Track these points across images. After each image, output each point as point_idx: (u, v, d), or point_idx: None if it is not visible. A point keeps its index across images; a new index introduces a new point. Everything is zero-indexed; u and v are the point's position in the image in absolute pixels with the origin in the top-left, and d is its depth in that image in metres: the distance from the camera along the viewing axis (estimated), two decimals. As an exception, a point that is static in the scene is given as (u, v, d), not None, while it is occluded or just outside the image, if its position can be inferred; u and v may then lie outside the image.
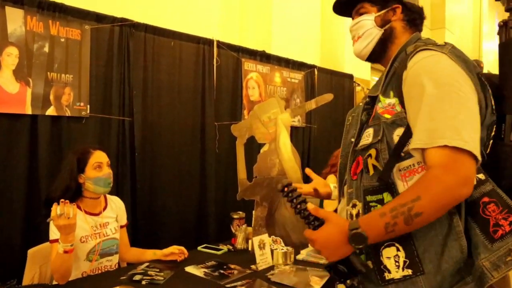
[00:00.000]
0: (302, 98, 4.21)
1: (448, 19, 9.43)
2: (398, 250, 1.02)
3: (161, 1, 3.51)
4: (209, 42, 3.38)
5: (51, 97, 2.52)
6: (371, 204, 1.08)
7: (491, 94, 1.06)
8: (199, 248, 2.39)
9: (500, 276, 0.96)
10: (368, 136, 1.11)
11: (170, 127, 3.14)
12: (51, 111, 2.51)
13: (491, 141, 1.07)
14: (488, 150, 1.06)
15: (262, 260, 2.06)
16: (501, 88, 1.08)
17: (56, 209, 1.66)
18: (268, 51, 3.92)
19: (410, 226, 0.95)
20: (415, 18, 1.24)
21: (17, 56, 2.39)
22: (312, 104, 2.56)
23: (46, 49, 2.51)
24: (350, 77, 5.02)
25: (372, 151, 1.08)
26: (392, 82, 1.12)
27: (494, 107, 1.06)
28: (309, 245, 2.29)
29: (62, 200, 1.68)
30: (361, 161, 1.12)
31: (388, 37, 1.22)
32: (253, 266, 2.04)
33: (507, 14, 1.17)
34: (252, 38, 4.13)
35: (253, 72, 3.75)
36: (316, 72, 4.46)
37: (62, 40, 2.58)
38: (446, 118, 0.96)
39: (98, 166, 1.95)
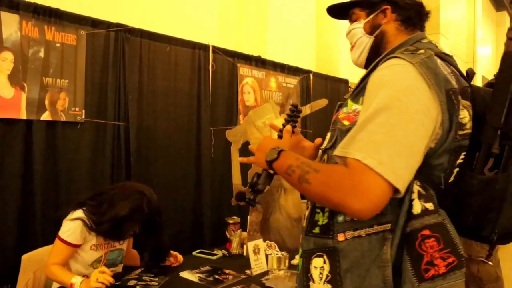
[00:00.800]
0: (297, 103, 4.21)
1: (442, 24, 9.50)
2: (324, 262, 0.98)
3: (157, 6, 3.52)
4: (204, 47, 3.39)
5: (46, 102, 2.52)
6: (316, 209, 1.04)
7: (468, 116, 0.95)
8: (194, 253, 2.39)
9: None
10: (326, 140, 1.09)
11: (166, 132, 3.14)
12: (46, 116, 2.51)
13: (457, 169, 0.96)
14: (452, 178, 0.96)
15: (257, 265, 2.07)
16: (486, 109, 0.96)
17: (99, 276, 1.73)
18: (263, 56, 3.94)
19: (299, 184, 0.94)
20: (410, 16, 1.11)
21: (12, 61, 2.39)
22: (306, 110, 2.58)
23: (42, 54, 2.51)
24: (346, 82, 5.05)
25: (325, 156, 1.06)
26: (364, 88, 1.03)
27: (462, 132, 0.94)
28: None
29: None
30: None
31: (380, 43, 1.13)
32: (247, 271, 2.04)
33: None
34: (247, 44, 4.14)
35: (248, 77, 3.76)
36: (311, 77, 4.48)
37: (58, 45, 2.58)
38: (374, 132, 0.86)
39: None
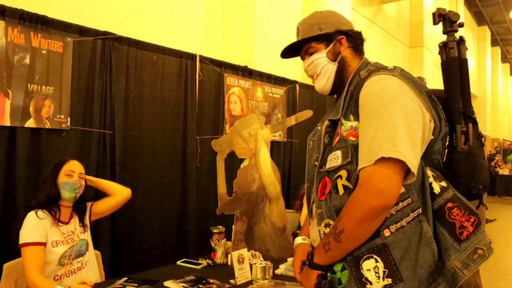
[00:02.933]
0: (283, 113, 4.26)
1: (426, 38, 9.72)
2: (376, 261, 1.08)
3: (144, 15, 3.54)
4: (191, 57, 3.41)
5: (31, 109, 2.50)
6: None
7: (441, 109, 1.16)
8: (178, 262, 2.38)
9: (470, 273, 1.04)
10: (336, 159, 1.18)
11: (152, 141, 3.14)
12: (30, 123, 2.49)
13: (446, 150, 1.16)
14: (444, 158, 1.16)
15: (241, 274, 2.07)
16: (447, 101, 1.18)
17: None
18: (250, 66, 3.98)
19: (340, 243, 1.10)
20: (357, 43, 1.33)
21: (-4, 67, 2.37)
22: (292, 120, 2.61)
23: (27, 60, 2.50)
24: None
25: (343, 173, 1.16)
26: (351, 105, 1.20)
27: (446, 119, 1.15)
28: (287, 259, 2.31)
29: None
30: (329, 182, 1.19)
31: (342, 67, 1.31)
32: (232, 281, 2.05)
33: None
34: (234, 53, 4.18)
35: (235, 87, 3.79)
36: (297, 88, 4.53)
37: (44, 52, 2.57)
38: (384, 134, 1.04)
39: (69, 174, 2.06)
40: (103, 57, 2.84)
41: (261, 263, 2.15)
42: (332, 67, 1.31)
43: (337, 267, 1.15)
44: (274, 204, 2.35)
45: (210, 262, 2.37)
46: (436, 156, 1.14)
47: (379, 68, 1.19)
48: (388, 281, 1.06)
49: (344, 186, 1.15)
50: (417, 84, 1.13)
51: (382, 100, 1.08)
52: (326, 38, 1.32)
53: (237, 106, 3.79)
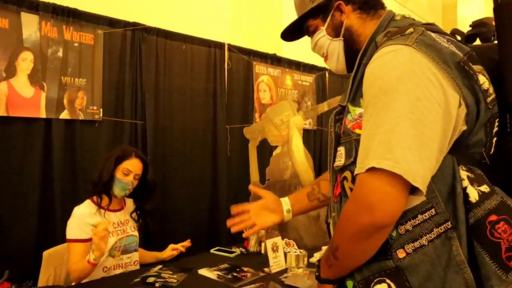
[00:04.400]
0: (313, 101, 4.20)
1: (460, 20, 9.35)
2: (389, 287, 0.85)
3: (173, 5, 3.53)
4: (220, 46, 3.39)
5: (65, 101, 2.55)
6: None
7: (484, 82, 0.85)
8: (211, 250, 2.38)
9: None
10: (340, 156, 0.95)
11: (182, 131, 3.15)
12: (64, 115, 2.54)
13: (495, 138, 0.87)
14: (493, 149, 0.87)
15: (275, 263, 2.05)
16: (501, 67, 0.87)
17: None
18: (279, 54, 3.93)
19: (337, 260, 0.90)
20: (366, 0, 1.02)
21: (32, 61, 2.43)
22: (324, 107, 2.55)
23: (60, 53, 2.54)
24: (350, 80, 5.00)
25: (347, 174, 0.93)
26: (361, 86, 0.91)
27: (489, 99, 0.85)
28: (321, 248, 2.28)
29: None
30: (339, 182, 0.97)
31: (351, 40, 1.04)
32: (266, 269, 2.03)
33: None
34: (262, 41, 4.13)
35: (264, 75, 3.75)
36: (327, 75, 4.45)
37: (76, 44, 2.61)
38: (380, 132, 0.79)
39: (126, 173, 2.03)
40: (133, 48, 2.86)
41: (295, 252, 2.13)
42: (338, 45, 1.05)
43: (349, 285, 0.93)
44: (307, 192, 2.30)
45: (243, 250, 2.36)
46: (477, 149, 0.85)
47: (399, 31, 0.88)
48: None
49: (352, 189, 0.90)
50: (441, 53, 0.81)
51: (384, 83, 0.81)
52: (320, 10, 1.06)
53: (266, 95, 3.75)
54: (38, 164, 2.43)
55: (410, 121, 0.77)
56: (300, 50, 4.23)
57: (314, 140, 4.23)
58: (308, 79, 4.20)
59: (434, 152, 0.78)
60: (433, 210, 0.82)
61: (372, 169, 0.78)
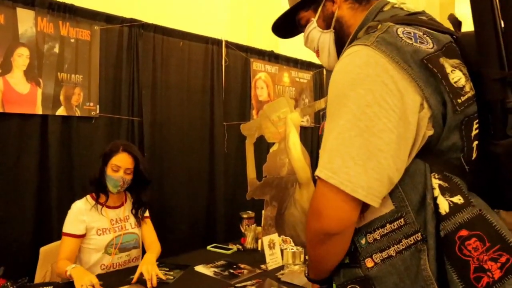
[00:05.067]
0: (310, 98, 4.19)
1: (458, 17, 9.33)
2: None
3: (170, 1, 3.52)
4: (217, 42, 3.38)
5: (61, 97, 2.54)
6: None
7: (463, 77, 0.77)
8: (208, 247, 2.38)
9: None
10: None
11: (179, 127, 3.15)
12: (61, 111, 2.53)
13: (476, 142, 0.78)
14: (475, 154, 0.78)
15: (272, 259, 2.05)
16: (478, 61, 0.78)
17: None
18: (276, 51, 3.92)
19: (309, 261, 0.91)
20: None
21: (28, 57, 2.41)
22: (321, 104, 2.55)
23: (56, 49, 2.52)
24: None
25: None
26: None
27: (463, 98, 0.76)
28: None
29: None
30: None
31: (341, 32, 0.98)
32: (263, 266, 2.03)
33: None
34: (260, 38, 4.12)
35: (261, 72, 3.74)
36: (324, 72, 4.44)
37: (72, 40, 2.59)
38: (328, 140, 0.77)
39: (115, 169, 2.01)
40: (130, 44, 2.85)
41: (292, 249, 2.13)
42: (328, 37, 1.00)
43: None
44: (304, 189, 2.30)
45: (240, 247, 2.37)
46: (453, 154, 0.77)
47: (373, 26, 0.82)
48: None
49: None
50: (401, 51, 0.75)
51: (337, 89, 0.78)
52: (312, 1, 1.01)
53: (264, 92, 3.75)
54: (35, 160, 2.42)
55: (357, 128, 0.73)
56: (298, 47, 4.23)
57: (311, 137, 4.22)
58: (305, 76, 4.20)
59: (386, 163, 0.73)
60: (402, 220, 0.77)
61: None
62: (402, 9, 0.90)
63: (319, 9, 1.00)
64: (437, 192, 0.75)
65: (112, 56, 2.79)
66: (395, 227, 0.78)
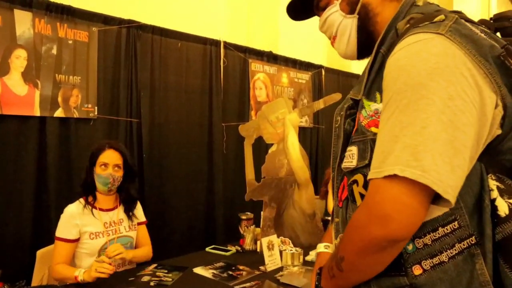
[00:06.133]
0: (309, 98, 4.19)
1: (456, 17, 9.33)
2: None
3: (168, 2, 3.51)
4: (216, 43, 3.38)
5: (59, 99, 2.53)
6: None
7: None
8: (207, 249, 2.37)
9: None
10: (351, 157, 0.85)
11: (178, 128, 3.14)
12: (59, 113, 2.52)
13: None
14: None
15: (271, 261, 2.05)
16: None
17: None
18: (275, 52, 3.91)
19: (342, 272, 0.79)
20: None
21: (25, 59, 2.41)
22: (320, 104, 2.54)
23: (54, 51, 2.52)
24: (357, 77, 4.99)
25: (359, 177, 0.83)
26: (379, 78, 0.81)
27: None
28: (317, 246, 2.27)
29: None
30: (347, 186, 0.87)
31: (366, 20, 0.92)
32: (261, 267, 2.02)
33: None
34: (259, 39, 4.11)
35: (260, 72, 3.74)
36: (323, 72, 4.44)
37: (70, 42, 2.59)
38: (405, 135, 0.68)
39: (104, 165, 1.99)
40: (128, 45, 2.84)
41: (291, 250, 2.12)
42: (351, 23, 0.93)
43: None
44: (303, 190, 2.30)
45: (239, 248, 2.36)
46: (508, 156, 0.74)
47: (426, 17, 0.77)
48: None
49: (362, 195, 0.82)
50: (479, 45, 0.70)
51: (410, 77, 0.70)
52: None
53: (263, 92, 3.74)
54: (33, 163, 2.42)
55: (441, 123, 0.66)
56: (297, 47, 4.23)
57: (310, 138, 4.22)
58: (304, 77, 4.19)
59: (467, 160, 0.68)
60: (456, 223, 0.73)
61: (391, 176, 0.68)
62: (438, 5, 0.85)
63: None
64: (495, 193, 0.73)
65: (110, 57, 2.78)
66: (448, 231, 0.73)
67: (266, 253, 2.04)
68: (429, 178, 0.65)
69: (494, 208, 0.72)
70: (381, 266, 0.76)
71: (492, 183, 0.73)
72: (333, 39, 0.99)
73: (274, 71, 3.87)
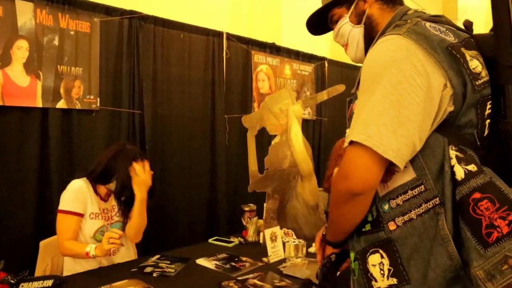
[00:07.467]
0: (312, 90, 4.17)
1: (460, 9, 9.26)
2: (382, 257, 0.93)
3: (170, -7, 3.49)
4: (218, 34, 3.35)
5: (61, 90, 2.52)
6: None
7: (480, 65, 0.92)
8: (210, 240, 2.37)
9: None
10: (347, 138, 0.98)
11: (180, 120, 3.13)
12: (61, 104, 2.52)
13: (488, 120, 0.92)
14: (486, 131, 0.92)
15: (274, 252, 2.04)
16: (496, 50, 0.93)
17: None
18: (278, 43, 3.89)
19: (329, 221, 1.05)
20: None
21: (27, 49, 2.39)
22: (323, 95, 2.52)
23: (56, 42, 2.50)
24: (359, 69, 4.96)
25: None
26: None
27: (480, 81, 0.90)
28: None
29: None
30: None
31: (370, 28, 1.11)
32: (264, 259, 2.02)
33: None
34: (261, 30, 4.09)
35: (263, 64, 3.72)
36: (326, 64, 4.41)
37: (72, 33, 2.57)
38: (362, 113, 0.89)
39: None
40: (130, 36, 2.82)
41: (294, 241, 2.12)
42: (359, 32, 1.12)
43: (351, 257, 1.02)
44: (306, 182, 2.29)
45: (241, 240, 2.36)
46: (468, 130, 0.90)
47: (401, 23, 0.97)
48: (393, 281, 0.90)
49: None
50: (429, 40, 0.89)
51: (373, 69, 0.92)
52: (345, 0, 1.15)
53: (265, 84, 3.72)
54: (35, 154, 2.41)
55: (389, 101, 0.86)
56: (299, 39, 4.20)
57: (313, 130, 4.21)
58: (307, 69, 4.17)
59: (413, 131, 0.85)
60: (422, 186, 0.90)
61: (352, 143, 0.88)
62: (424, 12, 1.04)
63: (352, 7, 1.13)
64: (454, 161, 0.88)
65: (112, 48, 2.77)
66: (416, 193, 0.90)
67: (269, 244, 2.04)
68: (371, 142, 0.85)
69: (453, 173, 0.88)
70: (352, 216, 0.96)
71: (452, 153, 0.89)
72: (345, 46, 1.19)
73: (277, 63, 3.85)
